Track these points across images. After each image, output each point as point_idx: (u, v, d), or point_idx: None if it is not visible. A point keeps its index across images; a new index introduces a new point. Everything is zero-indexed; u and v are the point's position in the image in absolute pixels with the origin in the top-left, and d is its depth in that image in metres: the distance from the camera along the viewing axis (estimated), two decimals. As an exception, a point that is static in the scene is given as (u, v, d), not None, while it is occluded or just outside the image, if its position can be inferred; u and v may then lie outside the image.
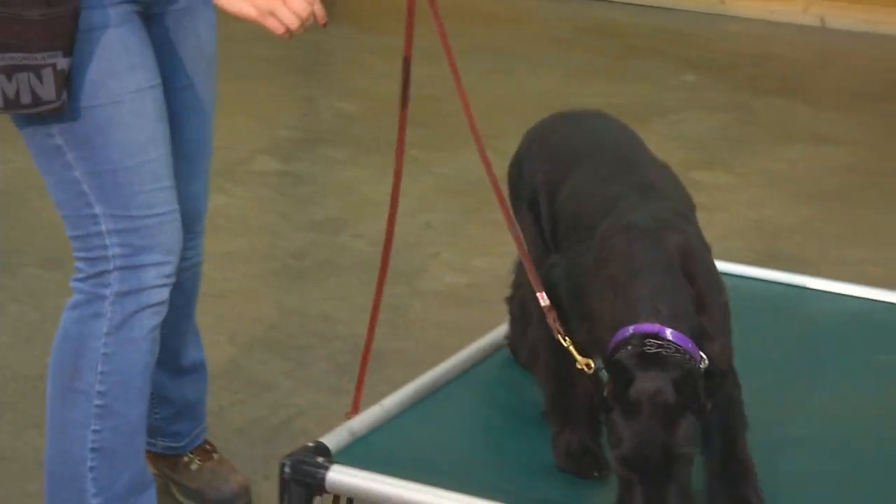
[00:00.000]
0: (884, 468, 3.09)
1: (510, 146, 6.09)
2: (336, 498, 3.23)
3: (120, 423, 2.77)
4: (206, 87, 2.98)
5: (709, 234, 5.26)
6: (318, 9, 2.69)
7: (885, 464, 3.10)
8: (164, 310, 2.77)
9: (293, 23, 2.64)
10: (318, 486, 2.91)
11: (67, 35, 2.54)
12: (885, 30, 7.93)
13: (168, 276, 2.75)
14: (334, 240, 4.98)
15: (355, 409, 3.19)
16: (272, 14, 2.63)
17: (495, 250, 4.93)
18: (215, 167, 5.66)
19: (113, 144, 2.66)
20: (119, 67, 2.65)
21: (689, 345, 2.63)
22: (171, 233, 2.75)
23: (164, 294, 2.75)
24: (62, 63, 2.54)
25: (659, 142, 6.13)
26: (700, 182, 5.66)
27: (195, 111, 2.95)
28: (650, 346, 2.58)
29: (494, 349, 3.50)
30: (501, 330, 3.52)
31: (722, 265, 4.06)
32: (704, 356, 2.65)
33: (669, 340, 2.60)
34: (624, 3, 8.42)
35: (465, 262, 4.85)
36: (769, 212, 5.38)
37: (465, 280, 4.74)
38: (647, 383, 2.53)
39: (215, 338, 4.24)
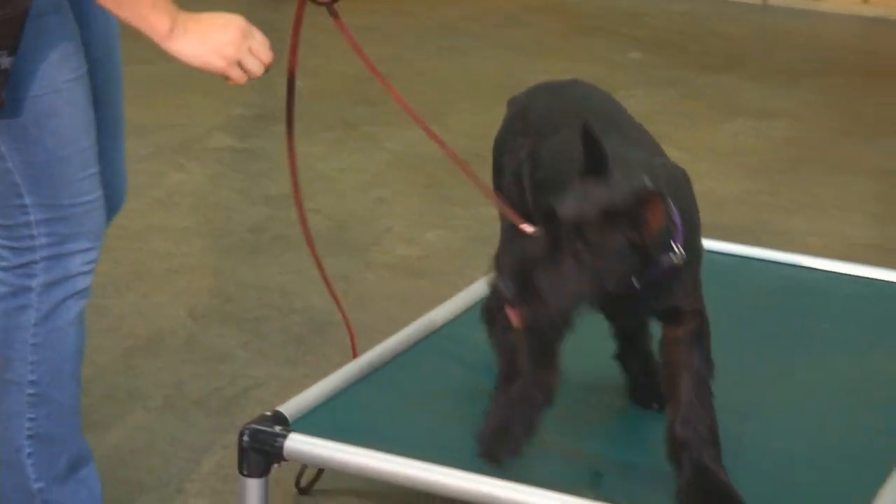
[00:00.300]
0: (824, 433, 3.11)
1: (462, 122, 6.14)
2: (303, 466, 3.25)
3: (53, 409, 2.74)
4: (119, 60, 2.87)
5: (655, 207, 5.27)
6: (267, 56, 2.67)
7: (825, 428, 3.13)
8: (88, 294, 2.73)
9: (258, 72, 2.63)
10: (276, 454, 2.91)
11: (14, 36, 2.47)
12: (824, 7, 7.96)
13: (92, 262, 2.71)
14: (289, 214, 4.96)
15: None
16: (239, 64, 2.60)
17: (446, 224, 4.93)
18: (172, 144, 5.68)
19: (48, 135, 2.59)
20: (55, 57, 2.58)
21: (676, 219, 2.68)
22: (97, 219, 2.70)
23: (89, 280, 2.71)
24: (5, 62, 2.48)
25: (606, 117, 6.15)
26: (646, 156, 5.68)
27: (115, 84, 2.85)
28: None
29: (446, 320, 3.51)
30: (453, 301, 3.53)
31: (668, 236, 4.08)
32: (681, 249, 2.67)
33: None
34: (571, -18, 8.45)
35: (417, 236, 4.85)
36: (713, 184, 5.39)
37: (417, 252, 4.74)
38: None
39: (174, 312, 4.23)
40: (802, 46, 7.36)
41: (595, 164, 2.64)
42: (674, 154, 5.68)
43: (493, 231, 4.83)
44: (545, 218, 2.64)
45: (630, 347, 3.16)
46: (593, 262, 2.61)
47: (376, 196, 5.23)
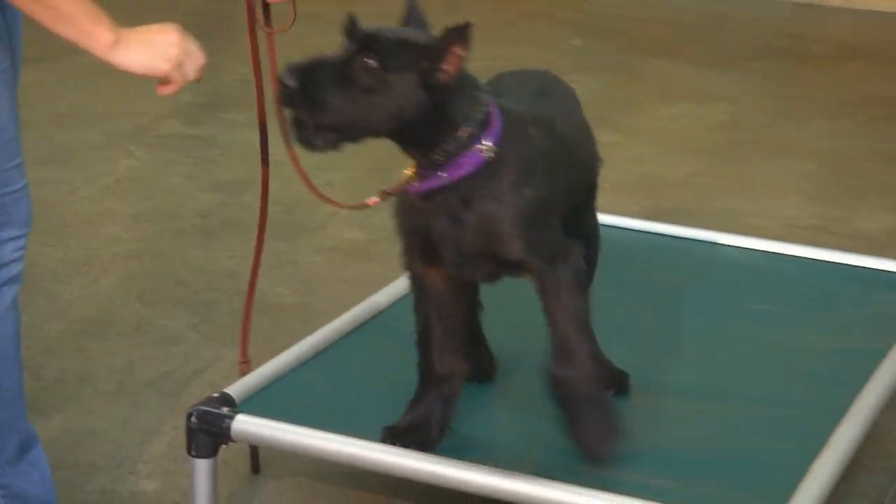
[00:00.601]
0: (760, 403, 3.12)
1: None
2: (254, 449, 3.23)
3: (1, 393, 2.73)
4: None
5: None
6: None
7: (761, 399, 3.14)
8: (21, 279, 2.71)
9: (194, 75, 2.65)
10: (224, 435, 2.90)
11: None
12: (762, -7, 8.00)
13: (22, 249, 2.70)
14: (238, 199, 4.95)
15: (244, 354, 3.16)
16: (180, 67, 2.62)
17: (393, 208, 4.92)
18: (123, 131, 5.64)
19: None
20: None
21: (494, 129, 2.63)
22: (24, 207, 2.69)
23: (20, 266, 2.70)
24: None
25: (548, 102, 6.15)
26: (588, 140, 5.68)
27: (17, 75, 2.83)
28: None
29: (390, 302, 3.50)
30: (398, 283, 3.51)
31: (609, 218, 4.11)
32: (490, 147, 2.62)
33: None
34: (514, -30, 8.44)
35: (365, 219, 4.83)
36: (653, 167, 5.40)
37: (365, 236, 4.73)
38: None
39: (125, 296, 4.21)
40: (739, 31, 7.38)
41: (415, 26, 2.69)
42: (615, 137, 5.73)
43: (439, 214, 4.84)
44: (347, 31, 2.64)
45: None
46: (381, 81, 2.57)
47: (324, 180, 5.17)
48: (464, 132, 2.60)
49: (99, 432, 3.47)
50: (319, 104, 2.59)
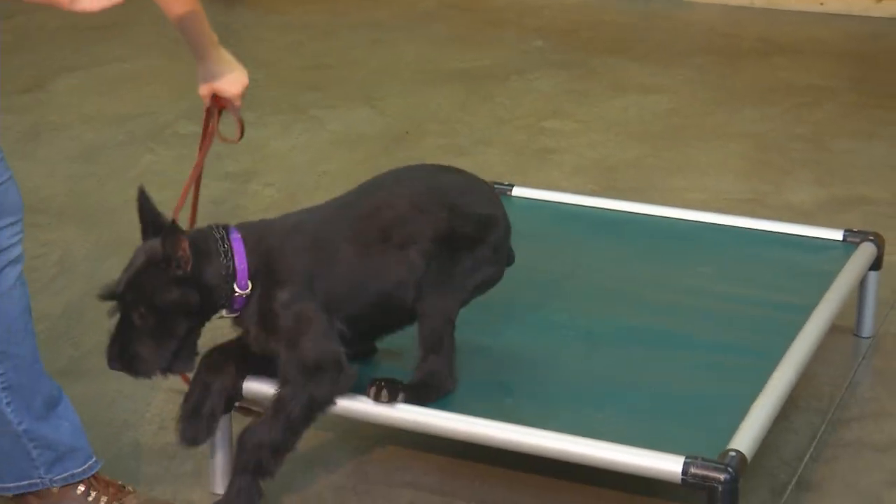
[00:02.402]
0: (704, 357, 3.11)
1: (393, 104, 6.10)
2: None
3: (17, 362, 2.70)
4: None
5: (558, 173, 5.30)
6: None
7: (706, 348, 3.14)
8: (23, 259, 2.69)
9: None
10: (236, 395, 2.90)
11: None
12: (697, -2, 7.99)
13: (20, 233, 2.67)
14: (246, 188, 4.92)
15: None
16: None
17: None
18: (143, 130, 5.60)
19: None
20: None
21: (239, 253, 2.71)
22: (14, 195, 2.66)
23: (20, 248, 2.68)
24: None
25: (516, 97, 6.13)
26: (550, 129, 5.67)
27: None
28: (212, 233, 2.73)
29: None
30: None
31: (569, 197, 4.09)
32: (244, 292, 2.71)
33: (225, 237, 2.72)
34: (482, -17, 8.42)
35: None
36: (607, 151, 5.39)
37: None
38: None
39: (150, 274, 4.18)
40: (678, 32, 7.36)
41: (150, 229, 2.77)
42: (572, 127, 5.72)
43: (422, 196, 4.82)
44: (108, 297, 2.71)
45: None
46: (153, 314, 2.66)
47: (321, 170, 5.18)
48: (238, 296, 2.72)
49: (130, 394, 3.45)
50: (139, 363, 2.73)
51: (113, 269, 4.18)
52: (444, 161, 5.23)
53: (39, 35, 6.95)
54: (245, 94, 2.91)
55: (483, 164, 5.20)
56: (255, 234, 2.75)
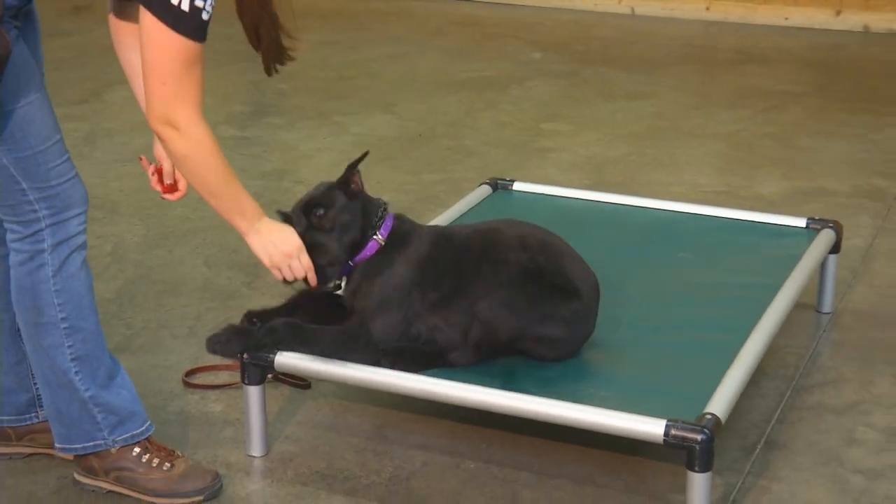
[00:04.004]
0: (682, 332, 3.10)
1: (408, 110, 6.10)
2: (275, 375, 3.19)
3: (84, 335, 2.71)
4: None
5: (554, 169, 5.28)
6: (312, 277, 2.83)
7: (682, 328, 3.12)
8: (86, 246, 2.71)
9: (291, 279, 2.81)
10: (269, 368, 2.89)
11: (0, 71, 2.46)
12: (677, 14, 7.95)
13: (85, 222, 2.70)
14: (279, 185, 4.92)
15: None
16: (276, 268, 2.79)
17: (399, 188, 4.90)
18: (188, 135, 5.57)
19: (30, 135, 2.57)
20: (28, 74, 2.56)
21: (388, 218, 2.91)
22: (80, 190, 2.68)
23: (84, 236, 2.70)
24: None
25: (517, 102, 6.11)
26: (547, 130, 5.65)
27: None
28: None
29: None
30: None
31: (564, 191, 4.08)
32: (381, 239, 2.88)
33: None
34: (483, 2, 8.38)
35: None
36: (597, 150, 5.37)
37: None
38: None
39: (193, 262, 4.18)
40: (661, 44, 7.34)
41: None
42: (567, 128, 5.70)
43: (434, 193, 4.82)
44: (284, 219, 2.87)
45: None
46: (331, 217, 2.83)
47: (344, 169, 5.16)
48: (373, 243, 2.89)
49: (176, 367, 3.44)
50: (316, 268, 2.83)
51: (160, 258, 4.22)
52: (452, 160, 5.25)
53: (95, 51, 6.94)
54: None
55: (487, 163, 5.19)
56: (402, 218, 2.97)
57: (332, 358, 2.82)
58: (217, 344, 2.84)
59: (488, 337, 2.82)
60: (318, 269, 2.82)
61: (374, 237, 2.88)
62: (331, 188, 2.88)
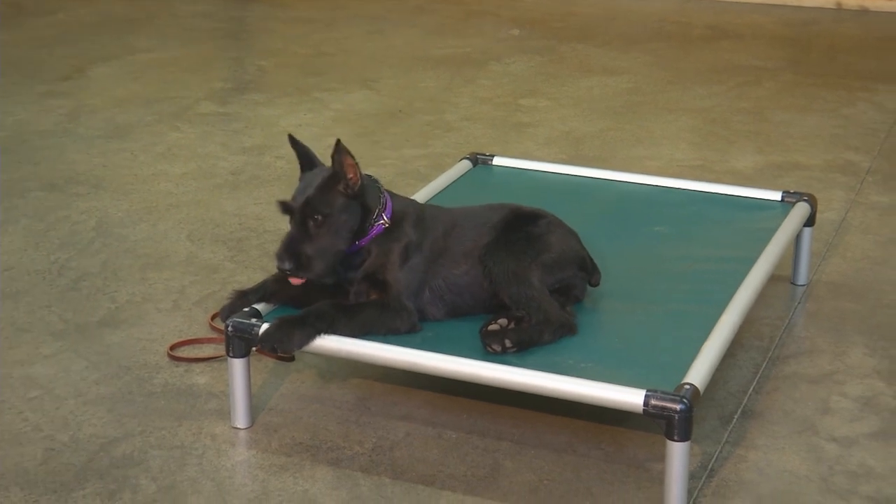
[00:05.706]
0: (660, 304, 3.09)
1: (388, 86, 6.06)
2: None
3: None
4: None
5: (532, 143, 5.26)
6: None
7: (660, 300, 3.11)
8: None
9: None
10: (253, 340, 2.87)
11: None
12: (652, -9, 7.94)
13: None
14: (260, 160, 4.88)
15: None
16: None
17: (378, 163, 4.87)
18: (169, 111, 5.56)
19: None
20: None
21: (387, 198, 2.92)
22: None
23: None
24: None
25: (496, 78, 6.09)
26: (525, 106, 5.63)
27: None
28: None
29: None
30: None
31: (542, 165, 4.06)
32: (387, 221, 2.89)
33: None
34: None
35: (357, 172, 4.77)
36: (575, 125, 5.36)
37: (358, 185, 4.67)
38: None
39: (177, 236, 4.15)
40: (636, 21, 7.32)
41: (307, 164, 2.91)
42: (545, 104, 5.68)
43: (414, 168, 4.79)
44: (285, 211, 2.82)
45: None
46: (330, 222, 2.79)
47: (326, 144, 5.10)
48: (378, 225, 2.88)
49: (161, 340, 3.42)
50: (310, 265, 2.80)
51: (144, 233, 4.19)
52: (432, 135, 5.23)
53: (79, 29, 6.88)
54: None
55: (467, 138, 5.17)
56: (397, 196, 2.98)
57: (372, 332, 2.81)
58: (277, 342, 2.78)
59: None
60: (319, 265, 2.80)
61: (379, 222, 2.89)
62: (328, 186, 2.82)
